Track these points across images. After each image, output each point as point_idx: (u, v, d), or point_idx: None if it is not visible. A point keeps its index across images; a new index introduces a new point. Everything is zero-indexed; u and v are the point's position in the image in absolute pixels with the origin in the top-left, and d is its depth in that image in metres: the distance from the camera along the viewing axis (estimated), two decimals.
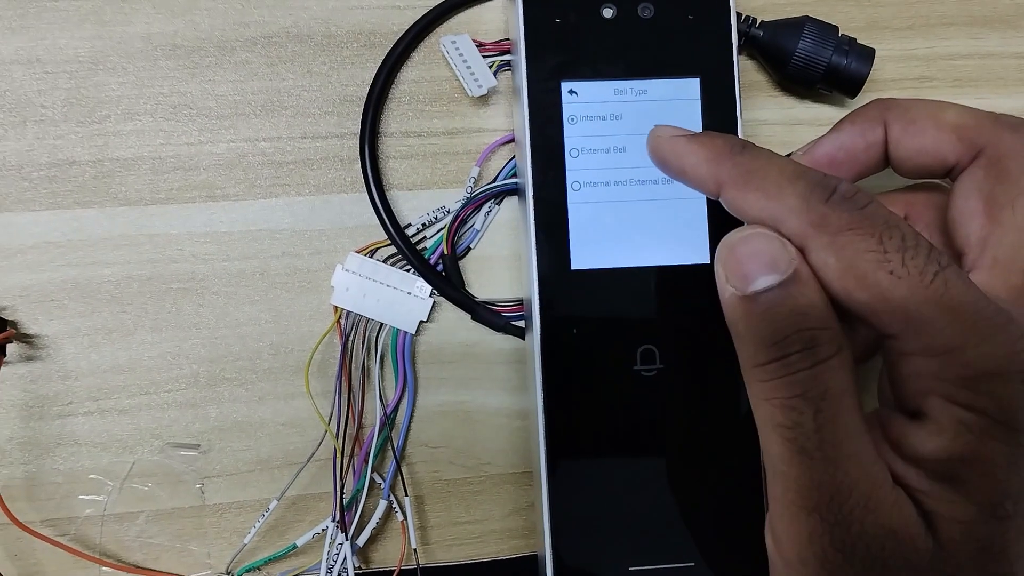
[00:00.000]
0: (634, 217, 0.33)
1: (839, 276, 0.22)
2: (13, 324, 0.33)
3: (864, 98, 0.37)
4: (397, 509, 0.34)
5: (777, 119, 0.37)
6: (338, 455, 0.33)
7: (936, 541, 0.22)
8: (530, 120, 0.32)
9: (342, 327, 0.35)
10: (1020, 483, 0.22)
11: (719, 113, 0.33)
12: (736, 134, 0.33)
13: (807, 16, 0.35)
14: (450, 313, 0.35)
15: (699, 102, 0.33)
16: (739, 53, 0.33)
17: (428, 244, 0.35)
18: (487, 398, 0.36)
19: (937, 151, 0.28)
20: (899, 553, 0.22)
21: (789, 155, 0.31)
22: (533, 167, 0.32)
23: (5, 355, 0.33)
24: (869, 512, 0.22)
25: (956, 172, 0.28)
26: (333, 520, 0.33)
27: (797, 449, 0.23)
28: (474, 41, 0.35)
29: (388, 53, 0.35)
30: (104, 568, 0.34)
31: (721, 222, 0.32)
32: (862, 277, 0.22)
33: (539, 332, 0.32)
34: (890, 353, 0.23)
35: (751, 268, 0.23)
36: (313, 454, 0.33)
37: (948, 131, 0.27)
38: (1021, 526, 0.22)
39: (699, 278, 0.32)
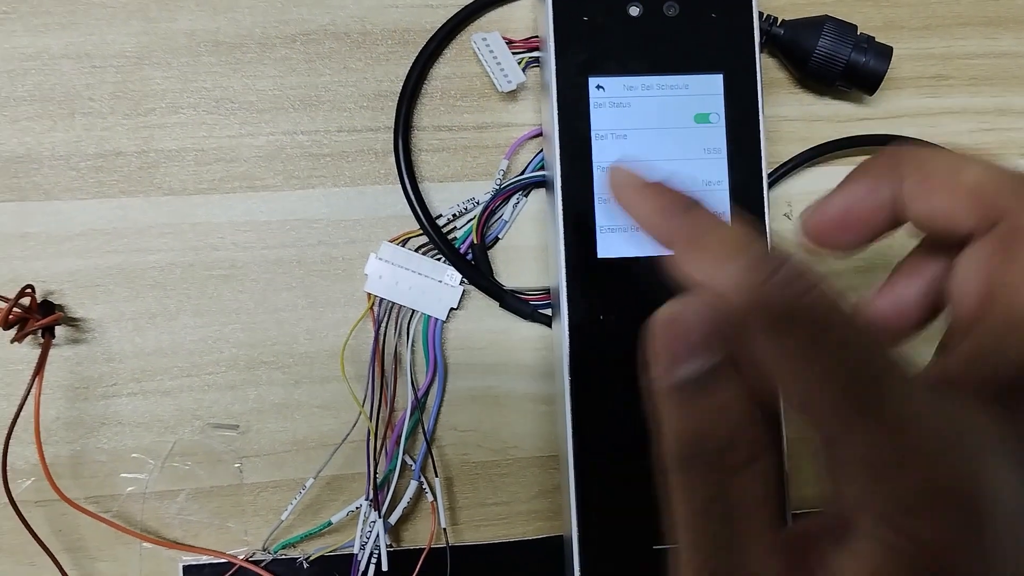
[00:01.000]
0: None
1: (775, 365, 0.20)
2: (60, 308, 0.35)
3: (882, 94, 0.38)
4: (427, 490, 0.35)
5: (797, 115, 0.38)
6: (371, 436, 0.35)
7: None
8: (558, 114, 0.34)
9: (375, 313, 0.36)
10: None
11: (741, 108, 0.34)
12: (759, 128, 0.34)
13: (827, 15, 0.36)
14: (479, 301, 0.37)
15: (722, 97, 0.34)
16: (761, 51, 0.34)
17: (458, 234, 0.37)
18: (514, 383, 0.37)
19: (951, 216, 0.24)
20: None
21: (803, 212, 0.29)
22: (561, 159, 0.33)
23: (54, 337, 0.34)
24: None
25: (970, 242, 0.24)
26: (367, 499, 0.34)
27: (701, 566, 0.20)
28: (504, 38, 0.36)
29: (421, 50, 0.36)
30: (145, 544, 0.35)
31: (744, 212, 0.34)
32: (796, 373, 0.19)
33: (566, 318, 0.33)
34: (823, 456, 0.20)
35: (679, 350, 0.21)
36: (348, 434, 0.35)
37: (964, 194, 0.23)
38: None
39: None
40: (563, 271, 0.33)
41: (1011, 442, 0.19)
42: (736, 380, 0.20)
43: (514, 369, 0.37)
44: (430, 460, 0.36)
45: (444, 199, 0.37)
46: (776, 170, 0.38)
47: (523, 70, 0.36)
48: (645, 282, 0.33)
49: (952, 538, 0.18)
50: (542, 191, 0.37)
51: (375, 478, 0.34)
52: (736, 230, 0.21)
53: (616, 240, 0.33)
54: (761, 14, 0.36)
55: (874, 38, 0.37)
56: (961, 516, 0.18)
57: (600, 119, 0.34)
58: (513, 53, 0.36)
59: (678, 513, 0.21)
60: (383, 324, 0.36)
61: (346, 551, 0.35)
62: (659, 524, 0.32)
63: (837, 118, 0.39)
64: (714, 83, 0.34)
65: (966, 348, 0.22)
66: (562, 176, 0.33)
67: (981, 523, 0.18)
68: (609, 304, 0.33)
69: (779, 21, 0.37)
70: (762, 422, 0.20)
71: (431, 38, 0.36)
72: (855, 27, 0.36)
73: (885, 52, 0.36)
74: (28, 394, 0.33)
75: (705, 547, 0.20)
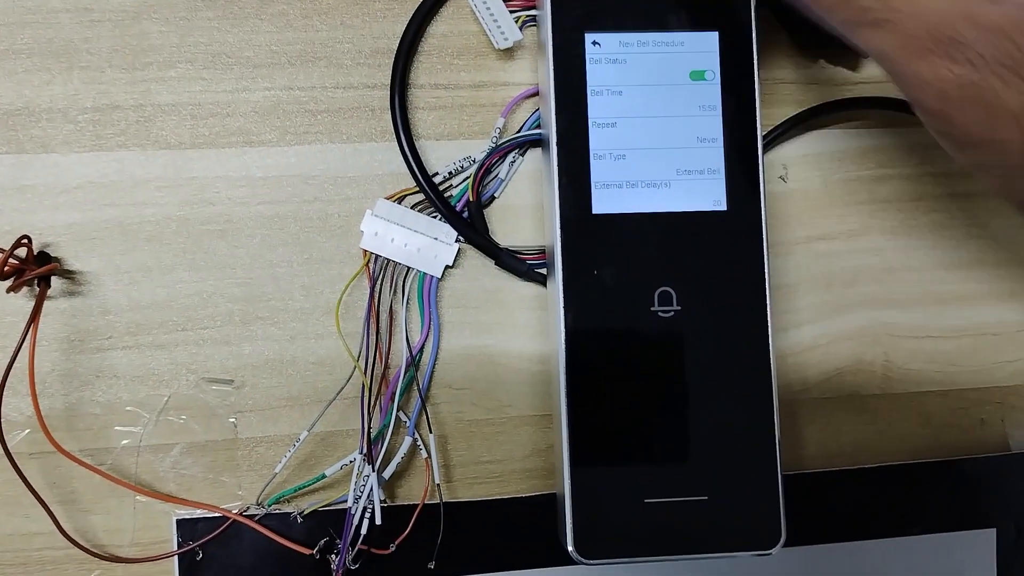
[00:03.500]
0: (654, 164, 0.34)
1: None
2: (57, 260, 0.35)
3: None
4: (421, 446, 0.36)
5: (793, 78, 0.38)
6: (366, 391, 0.35)
7: None
8: (554, 70, 0.34)
9: (371, 270, 0.36)
10: None
11: (737, 65, 0.34)
12: (753, 86, 0.34)
13: None
14: (475, 260, 0.37)
15: (718, 55, 0.34)
16: (756, 12, 0.34)
17: (454, 192, 0.37)
18: (509, 342, 0.37)
19: None
20: None
21: None
22: (557, 115, 0.34)
23: (49, 287, 0.34)
24: None
25: None
26: (361, 452, 0.34)
27: None
28: None
29: (418, 7, 0.36)
30: (139, 497, 0.35)
31: (739, 171, 0.34)
32: None
33: (561, 274, 0.33)
34: None
35: None
36: (343, 388, 0.35)
37: None
38: None
39: (715, 224, 0.34)
40: (558, 227, 0.33)
41: None
42: None
43: (509, 328, 0.37)
44: (424, 417, 0.36)
45: (440, 157, 0.37)
46: (771, 132, 0.38)
47: (520, 28, 0.36)
48: (638, 238, 0.34)
49: None
50: (538, 150, 0.37)
51: (369, 432, 0.34)
52: None
53: (611, 196, 0.33)
54: None
55: None
56: None
57: (596, 75, 0.34)
58: (510, 11, 0.36)
59: None
60: (378, 281, 0.36)
61: (339, 506, 0.35)
62: (651, 477, 0.32)
63: (833, 81, 0.39)
64: (709, 40, 0.34)
65: None
66: (558, 132, 0.34)
67: None
68: (604, 260, 0.33)
69: None
70: None
71: None
72: None
73: None
74: (22, 344, 0.33)
75: None
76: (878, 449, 0.38)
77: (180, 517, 0.35)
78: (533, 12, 0.37)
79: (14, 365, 0.33)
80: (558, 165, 0.33)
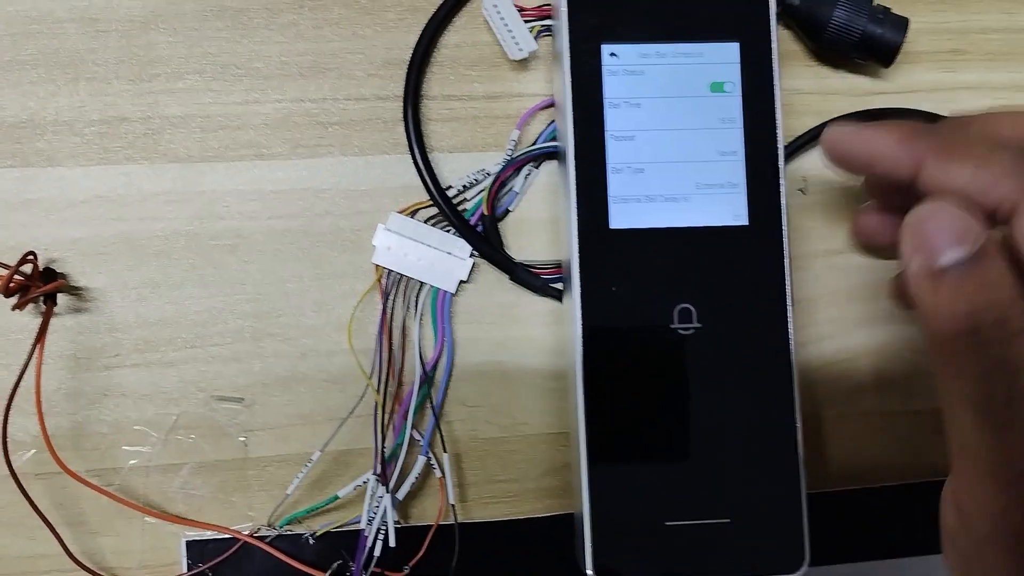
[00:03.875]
0: (672, 178, 0.33)
1: None
2: (63, 276, 0.34)
3: (898, 69, 0.37)
4: (435, 466, 0.35)
5: (813, 88, 0.38)
6: (379, 410, 0.34)
7: None
8: (571, 81, 0.33)
9: (383, 286, 0.35)
10: None
11: (757, 77, 0.33)
12: (774, 98, 0.33)
13: None
14: (489, 275, 0.36)
15: (738, 66, 0.34)
16: (776, 21, 0.34)
17: (468, 206, 0.36)
18: (524, 358, 0.36)
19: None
20: None
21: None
22: (574, 128, 0.33)
23: (55, 304, 0.33)
24: None
25: None
26: (374, 473, 0.34)
27: (990, 424, 0.22)
28: (516, 6, 0.35)
29: (431, 17, 0.36)
30: (147, 518, 0.34)
31: (760, 185, 0.33)
32: None
33: (579, 290, 0.32)
34: None
35: (939, 242, 0.23)
36: (356, 406, 0.34)
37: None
38: None
39: (736, 239, 0.33)
40: (575, 242, 0.33)
41: None
42: (1002, 260, 0.23)
43: (524, 344, 0.36)
44: (438, 435, 0.35)
45: (454, 170, 0.36)
46: (791, 143, 0.37)
47: (535, 38, 0.35)
48: (657, 253, 0.33)
49: None
50: (553, 162, 0.37)
51: (383, 452, 0.34)
52: (986, 135, 0.25)
53: (629, 210, 0.33)
54: None
55: (890, 9, 0.36)
56: None
57: (613, 87, 0.33)
58: (525, 21, 0.35)
59: (960, 384, 0.23)
60: (391, 297, 0.35)
61: (353, 527, 0.34)
62: (671, 499, 0.31)
63: (853, 92, 0.38)
64: (730, 51, 0.34)
65: None
66: (575, 145, 0.33)
67: None
68: (622, 275, 0.33)
69: None
70: None
71: (441, 5, 0.36)
72: None
73: (901, 23, 0.36)
74: (28, 362, 0.32)
75: (996, 404, 0.22)
76: (901, 466, 0.37)
77: (189, 539, 0.34)
78: (548, 22, 0.36)
79: (20, 384, 0.32)
80: (575, 179, 0.33)
